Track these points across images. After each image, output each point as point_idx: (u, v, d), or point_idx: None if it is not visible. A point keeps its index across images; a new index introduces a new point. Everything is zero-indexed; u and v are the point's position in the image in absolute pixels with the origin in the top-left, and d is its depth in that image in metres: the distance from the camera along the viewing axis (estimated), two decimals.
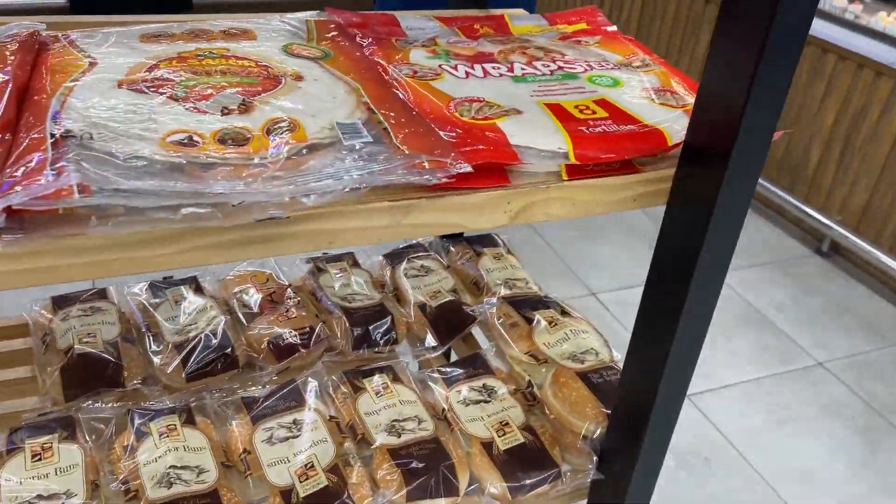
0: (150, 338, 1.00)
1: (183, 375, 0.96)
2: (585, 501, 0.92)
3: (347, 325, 1.06)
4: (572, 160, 0.66)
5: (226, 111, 0.62)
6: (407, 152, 0.60)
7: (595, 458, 0.91)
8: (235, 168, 0.56)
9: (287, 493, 0.82)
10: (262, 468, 0.84)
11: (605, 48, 0.89)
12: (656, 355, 0.78)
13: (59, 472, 0.81)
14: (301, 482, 0.83)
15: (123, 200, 0.52)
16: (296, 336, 1.04)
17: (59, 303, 1.04)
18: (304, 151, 0.59)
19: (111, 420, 0.88)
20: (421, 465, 0.86)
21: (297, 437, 0.88)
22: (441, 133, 0.66)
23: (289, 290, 1.13)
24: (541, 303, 1.09)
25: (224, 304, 1.09)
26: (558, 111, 0.72)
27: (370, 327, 1.06)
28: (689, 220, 0.70)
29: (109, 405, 0.91)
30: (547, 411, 0.96)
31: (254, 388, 0.99)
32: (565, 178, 0.67)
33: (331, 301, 1.09)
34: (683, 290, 0.73)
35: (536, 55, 0.84)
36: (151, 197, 0.53)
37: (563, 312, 1.07)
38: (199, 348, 0.98)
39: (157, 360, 0.97)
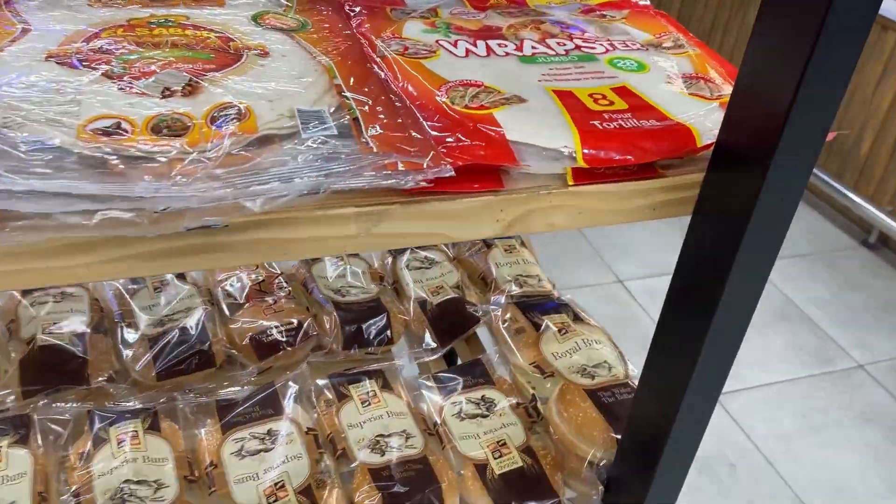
0: (123, 329, 0.92)
1: (153, 373, 0.88)
2: None
3: (338, 321, 0.97)
4: (580, 163, 0.55)
5: (167, 93, 0.52)
6: (375, 150, 0.50)
7: (601, 487, 0.81)
8: (167, 164, 0.47)
9: None
10: (228, 486, 0.76)
11: (632, 24, 0.77)
12: (673, 384, 0.68)
13: (5, 481, 0.73)
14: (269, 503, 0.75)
15: (17, 205, 0.42)
16: (281, 332, 0.95)
17: (28, 289, 0.97)
18: (253, 145, 0.49)
19: (69, 422, 0.81)
20: (404, 489, 0.77)
21: (270, 450, 0.80)
22: (426, 124, 0.56)
23: (279, 278, 1.04)
24: (552, 305, 0.99)
25: (207, 292, 1.01)
26: (569, 100, 0.61)
27: (363, 325, 0.97)
28: (718, 235, 0.59)
29: (70, 404, 0.83)
30: (551, 430, 0.86)
31: (232, 388, 0.91)
32: (571, 182, 0.56)
33: (322, 293, 1.00)
34: (708, 316, 0.62)
35: (551, 31, 0.73)
36: (57, 199, 0.44)
37: (576, 318, 0.97)
38: (172, 343, 0.90)
39: (126, 354, 0.90)
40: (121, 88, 0.52)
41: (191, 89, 0.53)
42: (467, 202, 0.54)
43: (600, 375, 0.88)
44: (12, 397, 0.84)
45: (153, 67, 0.55)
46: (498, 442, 0.84)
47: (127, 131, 0.48)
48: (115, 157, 0.47)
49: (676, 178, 0.59)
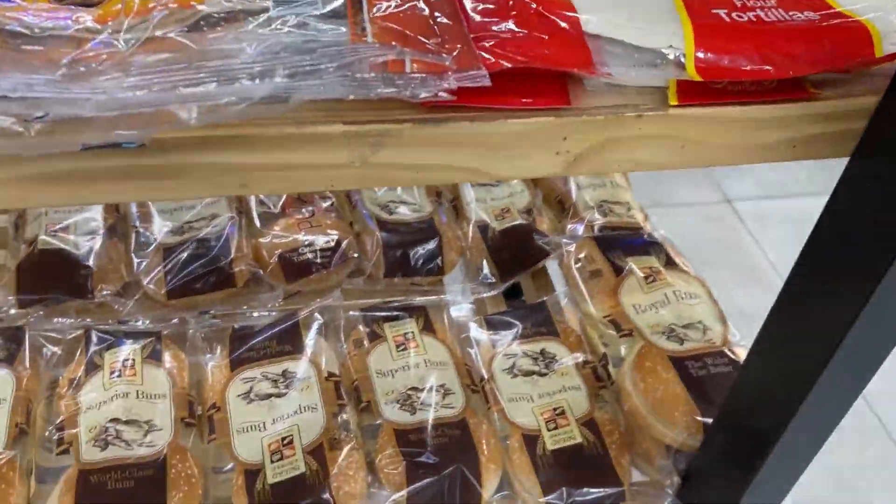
0: (138, 234, 0.81)
1: (164, 290, 0.77)
2: None
3: (381, 242, 0.82)
4: (691, 74, 0.37)
5: None
6: (371, 41, 0.33)
7: (677, 479, 0.66)
8: (62, 47, 0.32)
9: (253, 474, 0.63)
10: (229, 435, 0.65)
11: None
12: (801, 366, 0.51)
13: None
14: (272, 462, 0.63)
15: None
16: (315, 251, 0.82)
17: None
18: (200, 26, 0.33)
19: (63, 341, 0.71)
20: (434, 460, 0.64)
21: (283, 395, 0.68)
22: (466, 2, 0.38)
23: None
24: (639, 243, 0.81)
25: (238, 198, 0.87)
26: None
27: (410, 250, 0.82)
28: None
29: (69, 320, 0.74)
30: (622, 400, 0.71)
31: (254, 313, 0.79)
32: (674, 102, 0.38)
33: (366, 208, 0.86)
34: (869, 285, 0.43)
35: None
36: None
37: (669, 262, 0.78)
38: (188, 255, 0.78)
39: (139, 264, 0.78)
40: None
41: None
42: (514, 125, 0.36)
43: (691, 339, 0.71)
44: (10, 306, 0.75)
45: None
46: (555, 409, 0.69)
47: None
48: None
49: (835, 101, 0.40)
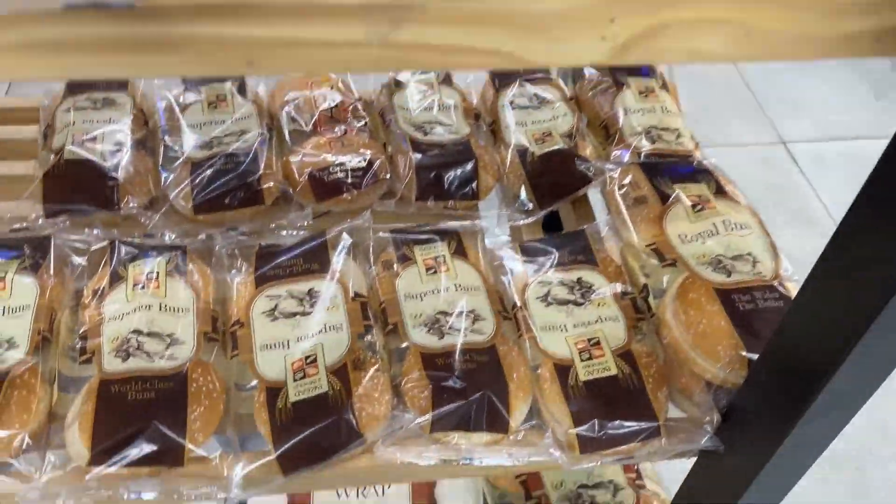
0: (166, 148, 0.79)
1: (191, 205, 0.75)
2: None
3: (414, 164, 0.79)
4: None
5: None
6: None
7: (716, 416, 0.63)
8: None
9: (275, 392, 0.61)
10: (252, 351, 0.64)
11: None
12: (861, 295, 0.46)
13: (6, 313, 0.64)
14: (295, 381, 0.62)
15: None
16: (346, 171, 0.78)
17: (74, 89, 0.84)
18: None
19: (89, 252, 0.70)
20: (461, 385, 0.62)
21: (308, 315, 0.66)
22: None
23: (357, 104, 0.86)
24: (688, 171, 0.76)
25: (269, 115, 0.84)
26: None
27: (444, 172, 0.79)
28: None
29: (95, 231, 0.72)
30: (662, 333, 0.67)
31: (283, 232, 0.77)
32: None
33: (400, 128, 0.82)
34: None
35: None
36: None
37: (719, 191, 0.73)
38: (216, 171, 0.76)
39: (166, 179, 0.76)
40: None
41: None
42: (554, 1, 0.32)
43: (740, 271, 0.66)
44: (36, 214, 0.74)
45: None
46: (589, 340, 0.66)
47: None
48: None
49: None
